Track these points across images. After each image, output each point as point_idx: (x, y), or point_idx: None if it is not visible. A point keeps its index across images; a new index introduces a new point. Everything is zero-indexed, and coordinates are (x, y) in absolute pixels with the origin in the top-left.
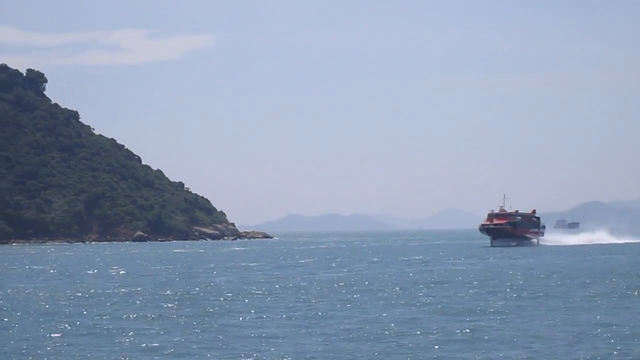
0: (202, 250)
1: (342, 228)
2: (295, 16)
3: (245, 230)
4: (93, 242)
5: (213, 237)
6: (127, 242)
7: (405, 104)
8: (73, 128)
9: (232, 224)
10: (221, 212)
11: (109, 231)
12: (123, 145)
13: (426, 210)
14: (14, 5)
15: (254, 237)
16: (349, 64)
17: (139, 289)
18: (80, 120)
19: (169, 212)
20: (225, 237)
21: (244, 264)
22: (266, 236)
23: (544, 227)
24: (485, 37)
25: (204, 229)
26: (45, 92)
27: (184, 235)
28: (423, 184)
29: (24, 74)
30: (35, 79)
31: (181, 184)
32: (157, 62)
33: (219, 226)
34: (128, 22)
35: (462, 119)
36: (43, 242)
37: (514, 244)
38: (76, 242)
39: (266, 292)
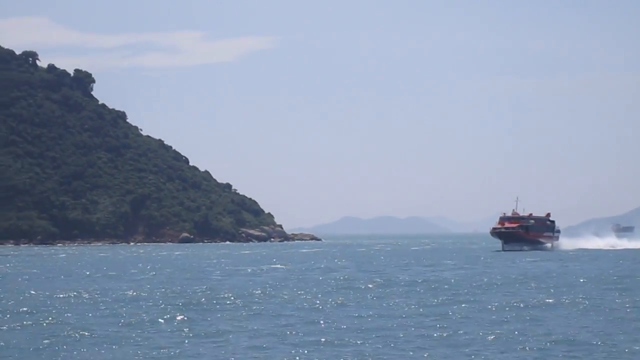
0: (265, 252)
1: (397, 231)
2: (349, 18)
3: (293, 233)
4: (138, 244)
5: (260, 239)
6: (173, 243)
7: (463, 105)
8: (120, 129)
9: (280, 226)
10: (269, 214)
11: (154, 232)
12: (171, 146)
13: (481, 213)
14: (73, 7)
15: (302, 239)
16: (404, 65)
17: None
18: (127, 120)
19: (216, 213)
20: (272, 239)
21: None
22: (314, 238)
23: (558, 231)
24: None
25: (251, 231)
26: (92, 93)
27: (230, 236)
28: (479, 186)
29: (72, 74)
30: (83, 79)
31: (229, 186)
32: (213, 64)
33: (266, 228)
34: (185, 24)
35: (515, 122)
36: (88, 243)
37: (526, 248)
38: (121, 243)
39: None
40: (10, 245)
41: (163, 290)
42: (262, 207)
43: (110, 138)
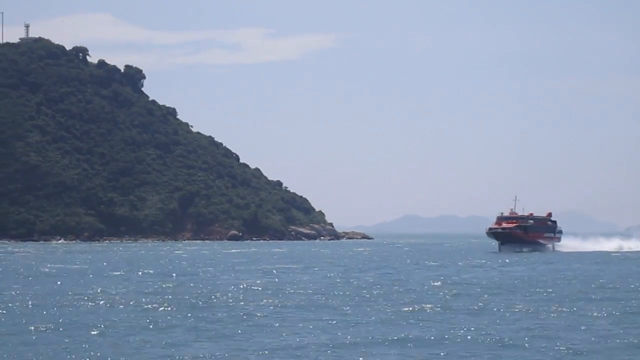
0: (325, 250)
1: (458, 230)
2: (412, 17)
3: (344, 231)
4: (186, 241)
5: (309, 237)
6: (222, 240)
7: (526, 105)
8: (170, 125)
9: (330, 224)
10: (320, 212)
11: (203, 230)
12: (221, 143)
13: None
14: (136, 3)
15: (352, 238)
16: (468, 63)
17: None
18: (178, 117)
19: (265, 211)
20: (322, 237)
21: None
22: (365, 237)
23: (560, 231)
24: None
25: (300, 229)
26: (143, 89)
27: (279, 234)
28: (536, 184)
29: (122, 70)
30: (133, 75)
31: (279, 183)
32: (276, 62)
33: (316, 226)
34: (248, 21)
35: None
36: (136, 239)
37: (525, 249)
38: (169, 240)
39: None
40: (58, 242)
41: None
42: (313, 205)
43: (159, 134)
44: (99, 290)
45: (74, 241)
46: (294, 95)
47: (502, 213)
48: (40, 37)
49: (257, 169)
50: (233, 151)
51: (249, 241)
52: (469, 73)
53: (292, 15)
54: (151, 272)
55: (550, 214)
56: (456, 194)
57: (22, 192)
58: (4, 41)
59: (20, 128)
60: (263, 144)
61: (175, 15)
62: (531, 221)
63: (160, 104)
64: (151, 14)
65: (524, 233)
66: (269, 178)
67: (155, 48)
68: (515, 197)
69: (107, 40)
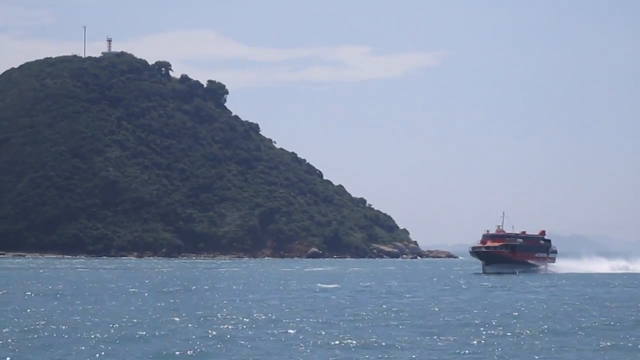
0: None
1: (559, 249)
2: (516, 36)
3: (429, 249)
4: (266, 258)
5: (391, 255)
6: (301, 258)
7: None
8: (252, 141)
9: (415, 242)
10: (404, 229)
11: (283, 247)
12: (304, 160)
13: None
14: (241, 21)
15: (437, 257)
16: (575, 84)
17: None
18: (260, 133)
19: (347, 228)
20: (404, 256)
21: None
22: (450, 256)
23: (554, 251)
24: None
25: (383, 247)
26: (226, 104)
27: (361, 252)
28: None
29: (205, 85)
30: (216, 91)
31: (363, 200)
32: (377, 80)
33: (399, 244)
34: (352, 38)
35: None
36: (214, 256)
37: (511, 271)
38: (248, 257)
39: None
40: (133, 258)
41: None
42: (398, 223)
43: (241, 150)
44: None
45: (150, 257)
46: (390, 113)
47: (487, 231)
48: (122, 52)
49: (340, 186)
50: (316, 168)
51: (329, 259)
52: (577, 93)
53: (395, 32)
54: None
55: (543, 232)
56: (558, 213)
57: (100, 208)
58: (87, 55)
59: (100, 143)
60: (350, 162)
61: (278, 33)
62: (520, 240)
63: (244, 119)
64: (254, 31)
65: (511, 253)
66: (353, 195)
67: (257, 66)
68: (503, 214)
69: (209, 57)
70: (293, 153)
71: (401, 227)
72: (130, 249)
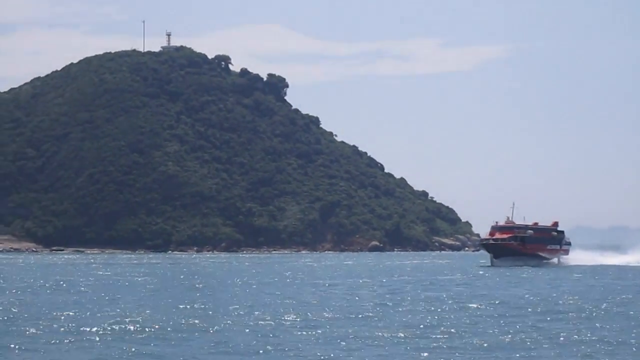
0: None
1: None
2: (587, 26)
3: None
4: (326, 252)
5: (453, 248)
6: (362, 252)
7: None
8: (312, 134)
9: (477, 235)
10: (466, 222)
11: (343, 240)
12: (365, 153)
13: None
14: (308, 15)
15: None
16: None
17: None
18: (321, 126)
19: (408, 221)
20: (467, 249)
21: None
22: None
23: (568, 243)
24: None
25: (444, 240)
26: (286, 98)
27: (422, 245)
28: None
29: (265, 79)
30: (276, 84)
31: (425, 193)
32: (447, 73)
33: (461, 237)
34: (421, 31)
35: None
36: (274, 250)
37: (522, 263)
38: (308, 251)
39: None
40: (193, 252)
41: None
42: (460, 216)
43: (301, 144)
44: None
45: (210, 252)
46: (456, 106)
47: (496, 222)
48: (182, 46)
49: (402, 179)
50: (378, 161)
51: (389, 252)
52: None
53: (466, 25)
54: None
55: (556, 224)
56: (630, 204)
57: (159, 203)
58: (146, 50)
59: (159, 137)
60: (413, 155)
61: (346, 27)
62: (530, 231)
63: (304, 113)
64: (322, 25)
65: (520, 245)
66: (415, 188)
67: (324, 59)
68: (513, 204)
69: (276, 51)
70: (354, 146)
71: (463, 219)
72: (190, 243)
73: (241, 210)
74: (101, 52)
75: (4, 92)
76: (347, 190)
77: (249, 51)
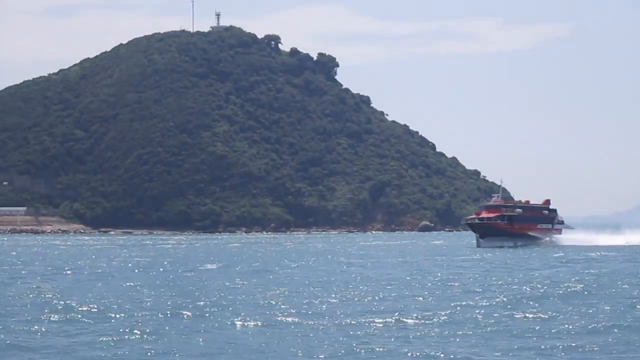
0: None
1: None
2: None
3: None
4: (376, 232)
5: None
6: (413, 232)
7: None
8: (363, 114)
9: None
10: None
11: (393, 220)
12: (417, 132)
13: None
14: None
15: None
16: None
17: None
18: (372, 105)
19: (460, 201)
20: None
21: None
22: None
23: (561, 222)
24: None
25: None
26: (337, 77)
27: None
28: None
29: (315, 58)
30: (327, 64)
31: (477, 172)
32: (509, 52)
33: None
34: (482, 10)
35: None
36: (323, 230)
37: (510, 244)
38: (358, 231)
39: None
40: (243, 233)
41: None
42: (513, 195)
43: (351, 123)
44: None
45: (259, 232)
46: (512, 85)
47: (483, 202)
48: (231, 26)
49: (453, 158)
50: (429, 140)
51: (441, 232)
52: None
53: (527, 3)
54: None
55: (547, 202)
56: None
57: (207, 183)
58: (195, 30)
59: (208, 118)
60: (465, 134)
61: (409, 6)
62: (519, 210)
63: (354, 92)
64: (386, 5)
65: (507, 224)
66: (467, 167)
67: (387, 39)
68: (501, 181)
69: (339, 32)
70: (405, 125)
71: (517, 199)
72: (239, 224)
73: (290, 190)
74: (150, 33)
75: (53, 74)
76: (397, 169)
77: (303, 33)
